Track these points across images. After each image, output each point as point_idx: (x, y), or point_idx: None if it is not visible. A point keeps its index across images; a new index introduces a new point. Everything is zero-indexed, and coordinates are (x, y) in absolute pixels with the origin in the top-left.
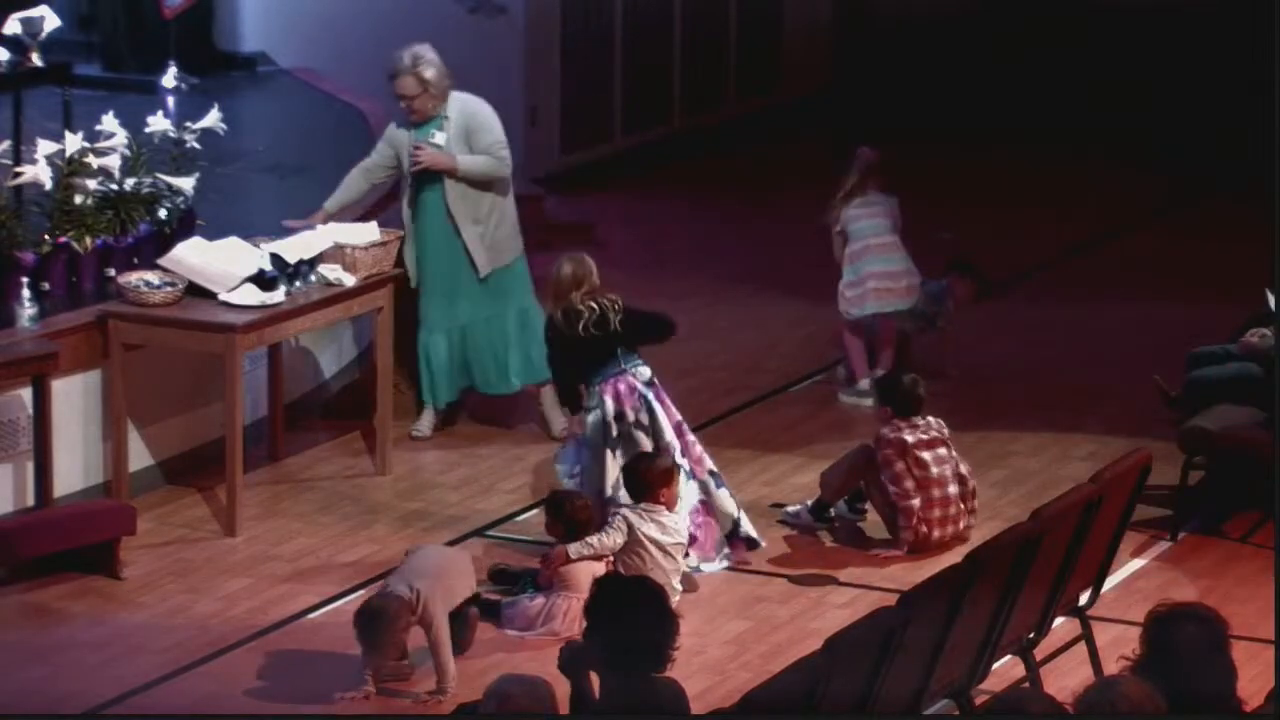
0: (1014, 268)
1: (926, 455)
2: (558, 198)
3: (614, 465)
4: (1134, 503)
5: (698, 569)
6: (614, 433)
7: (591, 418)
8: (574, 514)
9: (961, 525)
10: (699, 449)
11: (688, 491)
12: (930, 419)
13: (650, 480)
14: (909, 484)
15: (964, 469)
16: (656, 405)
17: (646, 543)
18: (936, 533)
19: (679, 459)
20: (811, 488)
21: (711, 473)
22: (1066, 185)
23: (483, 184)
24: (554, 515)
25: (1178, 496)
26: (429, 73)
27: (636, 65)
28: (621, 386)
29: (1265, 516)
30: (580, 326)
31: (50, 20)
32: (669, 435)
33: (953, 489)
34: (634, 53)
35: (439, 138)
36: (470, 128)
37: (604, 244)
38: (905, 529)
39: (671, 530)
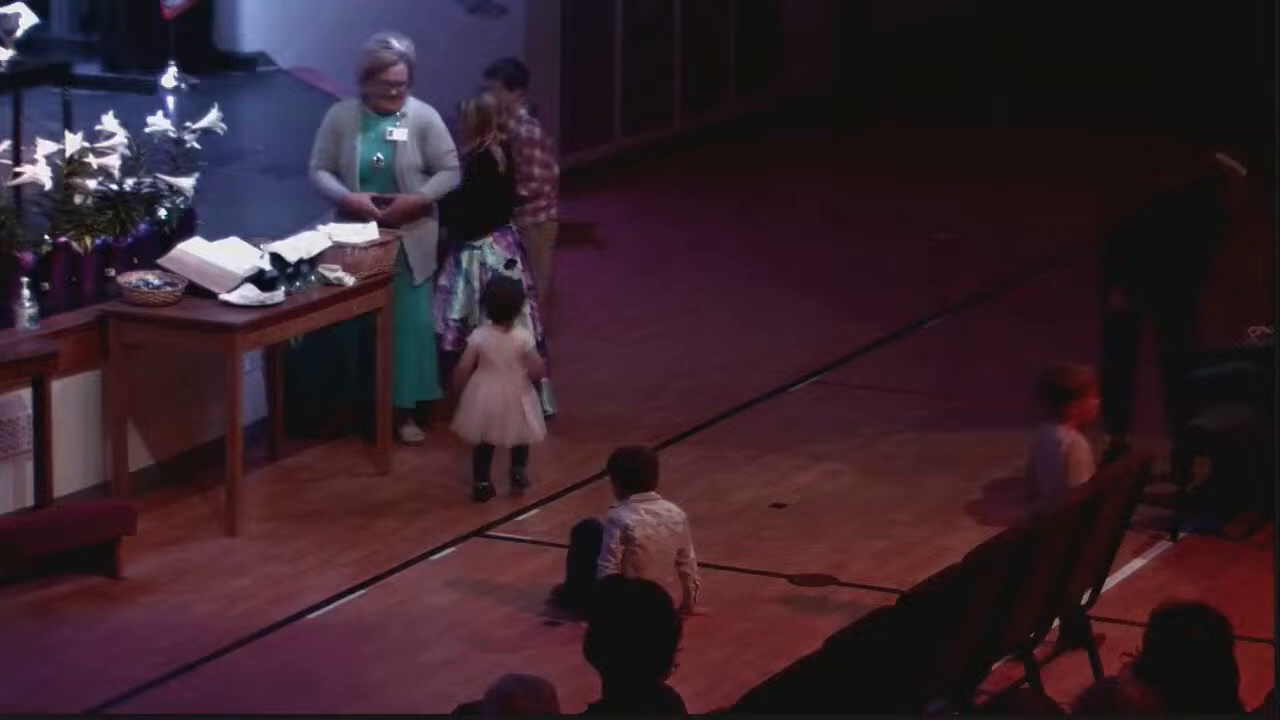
0: (1014, 265)
1: None
2: (558, 197)
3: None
4: (1134, 503)
5: None
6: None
7: (476, 257)
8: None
9: None
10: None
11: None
12: None
13: (640, 469)
14: None
15: None
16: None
17: (643, 541)
18: None
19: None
20: (812, 488)
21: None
22: (1065, 186)
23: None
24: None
25: (1177, 497)
26: (412, 62)
27: (636, 65)
28: (509, 239)
29: (1265, 516)
30: (499, 169)
31: (26, 18)
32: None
33: None
34: (634, 53)
35: (398, 134)
36: (426, 132)
37: (604, 244)
38: None
39: (667, 520)
